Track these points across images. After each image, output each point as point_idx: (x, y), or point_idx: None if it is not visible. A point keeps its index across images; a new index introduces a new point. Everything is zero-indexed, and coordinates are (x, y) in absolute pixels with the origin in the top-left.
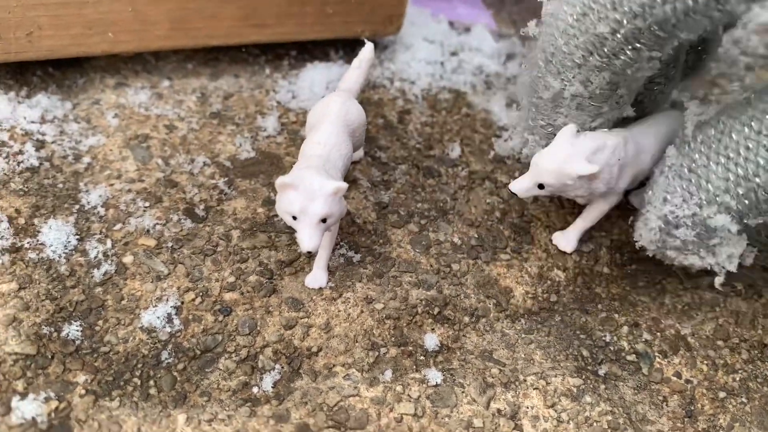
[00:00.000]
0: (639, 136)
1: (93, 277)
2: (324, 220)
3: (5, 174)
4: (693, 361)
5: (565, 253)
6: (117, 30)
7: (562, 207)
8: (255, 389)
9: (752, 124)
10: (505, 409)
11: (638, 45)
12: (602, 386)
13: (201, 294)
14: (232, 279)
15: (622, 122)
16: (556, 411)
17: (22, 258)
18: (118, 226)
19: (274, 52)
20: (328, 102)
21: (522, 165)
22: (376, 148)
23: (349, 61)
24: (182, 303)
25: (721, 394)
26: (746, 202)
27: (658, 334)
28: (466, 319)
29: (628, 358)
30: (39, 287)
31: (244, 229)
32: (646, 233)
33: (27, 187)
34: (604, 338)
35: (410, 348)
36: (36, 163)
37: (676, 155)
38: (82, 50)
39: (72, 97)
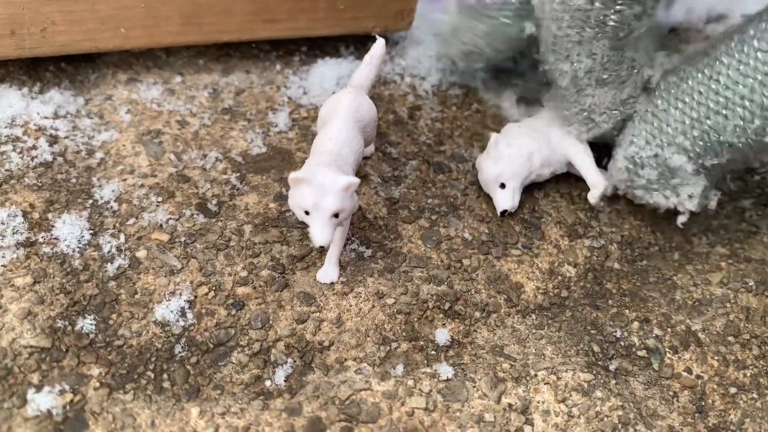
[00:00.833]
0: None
1: (106, 271)
2: (336, 215)
3: (19, 169)
4: (704, 356)
5: (575, 248)
6: (129, 26)
7: (572, 203)
8: (267, 383)
9: (705, 70)
10: (516, 403)
11: (618, 7)
12: (613, 381)
13: (214, 288)
14: (244, 273)
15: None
16: (566, 406)
17: (37, 252)
18: (132, 220)
19: (285, 48)
20: (340, 98)
21: None
22: (386, 144)
23: (359, 57)
24: (195, 297)
25: (732, 390)
26: (700, 143)
27: (669, 329)
28: (477, 314)
29: (639, 353)
30: (53, 281)
31: (256, 224)
32: (615, 172)
33: (41, 182)
34: (614, 333)
35: (421, 343)
36: (49, 158)
37: (644, 101)
38: (94, 46)
39: (84, 93)
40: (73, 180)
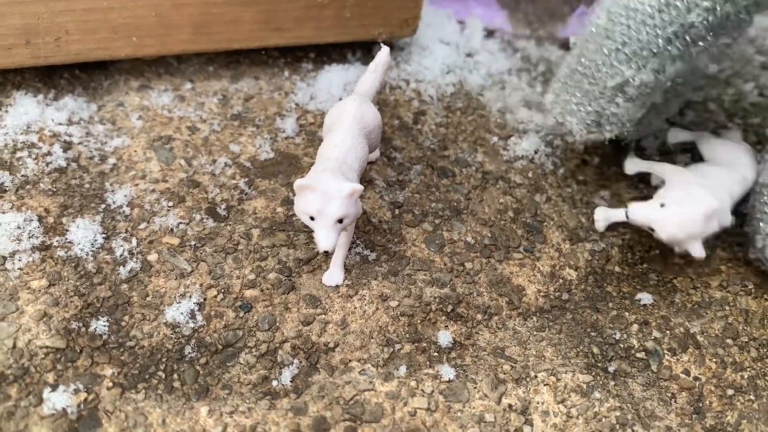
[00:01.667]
0: None
1: (119, 274)
2: (340, 221)
3: (35, 174)
4: (702, 358)
5: (576, 252)
6: (141, 34)
7: (575, 206)
8: (274, 383)
9: None
10: (516, 404)
11: (722, 31)
12: (611, 383)
13: (222, 291)
14: (252, 276)
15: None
16: (565, 406)
17: (52, 256)
18: (143, 225)
19: (293, 55)
20: (345, 105)
21: (535, 165)
22: (391, 149)
23: (366, 63)
24: (205, 299)
25: (729, 392)
26: None
27: (668, 332)
28: (479, 316)
29: (638, 355)
30: (68, 284)
31: (264, 228)
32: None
33: (55, 187)
34: (614, 336)
35: (424, 344)
36: (64, 163)
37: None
38: (107, 54)
39: (97, 99)
40: (87, 185)
